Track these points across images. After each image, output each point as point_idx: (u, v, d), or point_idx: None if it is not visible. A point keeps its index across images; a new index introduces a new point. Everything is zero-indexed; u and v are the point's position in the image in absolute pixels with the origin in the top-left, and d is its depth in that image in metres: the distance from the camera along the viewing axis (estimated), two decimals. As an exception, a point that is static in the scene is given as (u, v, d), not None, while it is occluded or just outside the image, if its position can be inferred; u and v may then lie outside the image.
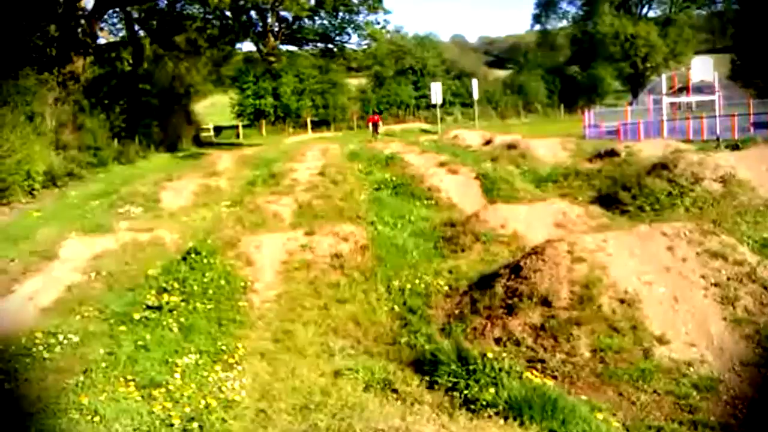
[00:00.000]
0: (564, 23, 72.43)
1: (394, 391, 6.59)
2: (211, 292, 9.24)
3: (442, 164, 19.29)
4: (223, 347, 7.87)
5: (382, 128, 41.22)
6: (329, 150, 27.88)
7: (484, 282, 8.89)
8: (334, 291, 9.65)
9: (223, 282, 9.53)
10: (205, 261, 9.93)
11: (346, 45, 59.77)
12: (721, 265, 8.14)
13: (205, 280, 9.44)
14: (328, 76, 57.25)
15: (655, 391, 6.22)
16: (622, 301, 7.50)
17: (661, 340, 6.99)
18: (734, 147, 17.78)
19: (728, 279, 7.93)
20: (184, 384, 6.80)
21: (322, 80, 56.11)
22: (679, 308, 7.45)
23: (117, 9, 42.44)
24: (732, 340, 7.11)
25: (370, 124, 40.98)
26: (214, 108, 60.47)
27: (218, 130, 54.45)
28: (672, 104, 39.24)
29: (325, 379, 7.22)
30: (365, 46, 59.43)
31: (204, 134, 50.14)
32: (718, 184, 13.75)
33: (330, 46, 59.79)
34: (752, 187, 13.79)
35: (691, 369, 6.59)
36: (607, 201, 14.64)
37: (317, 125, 55.38)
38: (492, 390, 5.83)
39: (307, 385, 7.05)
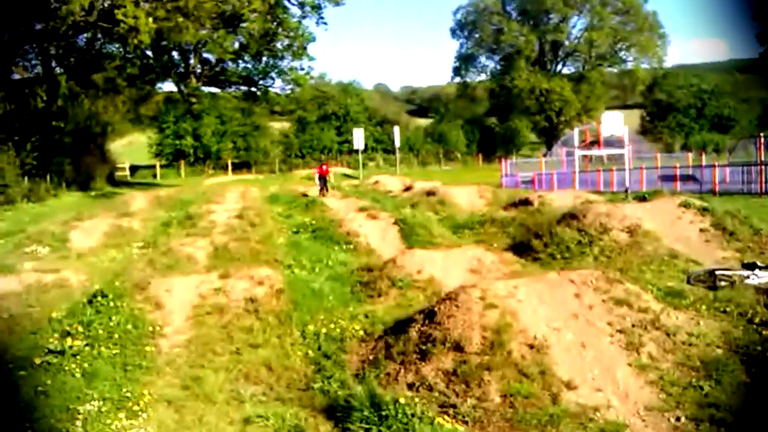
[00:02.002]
0: (483, 77, 74.96)
1: (306, 438, 6.47)
2: (117, 336, 8.88)
3: (362, 209, 19.43)
4: (128, 394, 7.55)
5: (332, 180, 30.49)
6: (249, 192, 27.63)
7: (399, 327, 8.89)
8: (247, 336, 9.44)
9: (130, 326, 9.18)
10: (111, 304, 9.56)
11: (269, 89, 59.91)
12: (626, 312, 8.43)
13: (111, 323, 9.07)
14: (251, 119, 57.18)
15: (562, 436, 6.31)
16: (531, 347, 7.63)
17: (569, 386, 7.13)
18: (641, 199, 18.56)
19: (633, 326, 8.20)
20: (85, 433, 6.47)
21: (244, 122, 55.97)
22: (586, 354, 7.63)
23: (33, 45, 41.26)
24: (637, 386, 7.32)
25: (317, 177, 29.39)
26: (131, 147, 59.20)
27: (134, 169, 53.24)
28: (584, 157, 40.89)
29: (234, 426, 7.02)
30: (289, 91, 59.77)
31: (119, 173, 48.88)
32: (625, 234, 14.32)
33: (253, 89, 59.83)
34: (657, 237, 14.40)
35: (598, 414, 6.73)
36: (521, 248, 15.01)
37: (238, 167, 54.95)
38: (403, 436, 5.80)
39: (215, 433, 6.83)
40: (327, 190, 27.35)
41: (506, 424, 6.58)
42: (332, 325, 9.59)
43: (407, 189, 28.65)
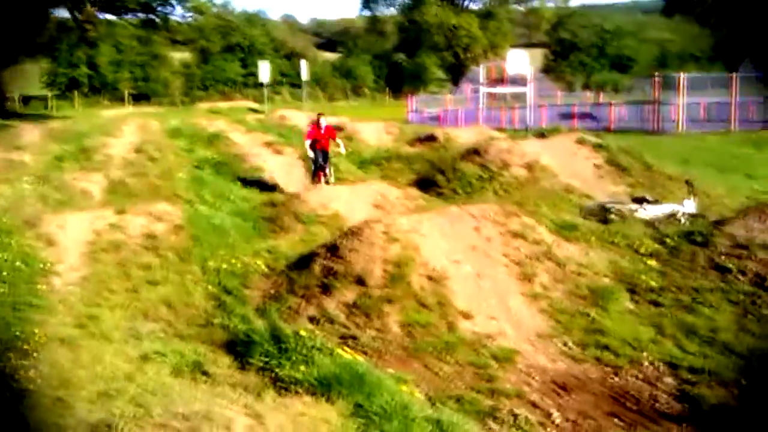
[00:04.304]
0: (392, 11, 74.08)
1: (205, 373, 6.40)
2: (5, 274, 8.47)
3: (267, 144, 19.07)
4: (18, 333, 7.26)
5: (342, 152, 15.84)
6: (148, 125, 26.52)
7: (303, 262, 8.91)
8: (145, 273, 9.23)
9: (19, 263, 8.77)
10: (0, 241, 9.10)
11: (169, 16, 57.19)
12: (522, 244, 8.74)
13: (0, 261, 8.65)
14: (150, 48, 54.53)
15: (457, 363, 6.54)
16: (431, 279, 7.81)
17: (466, 315, 7.38)
18: (541, 135, 19.06)
19: (527, 257, 8.53)
20: (-30, 375, 6.20)
21: (142, 52, 53.36)
22: (482, 285, 7.90)
23: None
24: (529, 314, 7.66)
25: (308, 144, 15.07)
26: (22, 77, 55.52)
27: (26, 100, 50.07)
28: (489, 94, 41.39)
29: (132, 364, 6.89)
30: (190, 19, 57.27)
31: (9, 104, 45.88)
32: (524, 169, 14.73)
33: (152, 16, 56.90)
34: (554, 172, 14.90)
35: (491, 341, 7.01)
36: (425, 184, 15.21)
37: (137, 99, 52.58)
38: (303, 368, 5.84)
39: (110, 371, 6.68)
40: (328, 172, 15.17)
41: (404, 352, 6.76)
42: (234, 261, 9.49)
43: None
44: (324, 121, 15.39)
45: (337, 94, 59.81)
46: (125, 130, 24.54)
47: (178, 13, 57.39)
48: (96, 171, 15.58)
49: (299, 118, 31.00)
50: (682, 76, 29.06)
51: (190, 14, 56.45)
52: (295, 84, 55.14)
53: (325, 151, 15.20)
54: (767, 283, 7.73)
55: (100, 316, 8.05)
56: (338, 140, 15.46)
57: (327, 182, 14.92)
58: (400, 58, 68.03)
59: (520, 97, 40.29)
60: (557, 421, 5.53)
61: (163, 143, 20.02)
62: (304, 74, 47.55)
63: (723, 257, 8.31)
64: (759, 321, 7.18)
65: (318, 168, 15.13)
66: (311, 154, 14.98)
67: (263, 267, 9.39)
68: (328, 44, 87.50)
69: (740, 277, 7.94)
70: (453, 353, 6.67)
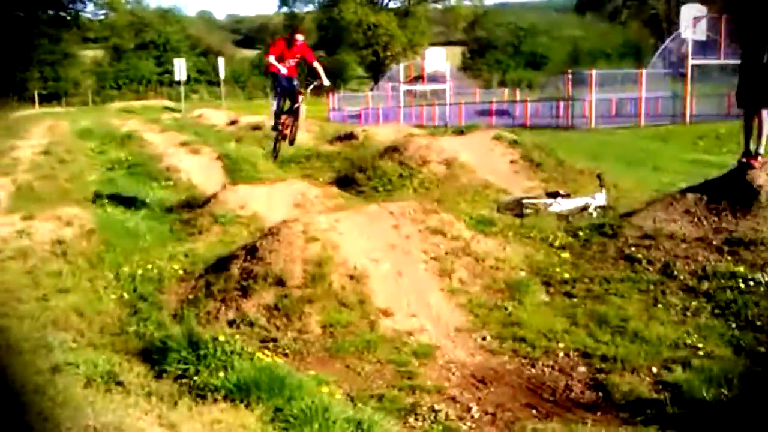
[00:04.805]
0: (311, 8, 73.73)
1: (119, 383, 6.19)
2: None
3: (183, 144, 18.68)
4: None
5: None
6: (58, 126, 25.55)
7: (221, 264, 8.75)
8: (55, 280, 8.84)
9: None
10: None
11: (80, 13, 55.20)
12: (440, 240, 8.84)
13: None
14: (60, 46, 52.47)
15: (378, 361, 6.56)
16: (351, 278, 7.81)
17: (386, 313, 7.41)
18: (459, 132, 19.36)
19: (446, 253, 8.63)
20: None
21: (52, 50, 51.27)
22: (402, 282, 7.95)
23: None
24: (448, 309, 7.75)
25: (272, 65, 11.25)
26: None
27: (-76, 101, 47.33)
28: (408, 92, 41.77)
29: (42, 376, 6.60)
30: (102, 16, 55.44)
31: None
32: (443, 166, 14.91)
33: (62, 13, 54.75)
34: (472, 168, 15.15)
35: (412, 338, 7.06)
36: (345, 182, 15.21)
37: (46, 99, 50.53)
38: (222, 374, 5.72)
39: (19, 384, 6.38)
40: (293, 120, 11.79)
41: (325, 353, 6.73)
42: (149, 266, 9.23)
43: (232, 123, 27.86)
44: (301, 37, 11.43)
45: (256, 92, 59.03)
46: (33, 131, 23.61)
47: (89, 10, 55.46)
48: (2, 175, 14.88)
49: (217, 116, 30.53)
50: (593, 73, 30.08)
51: (103, 11, 54.69)
52: (213, 82, 54.18)
53: (292, 85, 11.28)
54: (674, 271, 8.06)
55: (8, 328, 7.68)
56: (317, 65, 11.51)
57: (291, 140, 11.84)
58: (319, 56, 67.77)
59: (439, 95, 40.91)
60: (476, 414, 5.61)
61: (73, 145, 19.37)
62: (222, 72, 46.77)
63: (632, 248, 8.61)
64: (667, 309, 7.49)
65: (281, 112, 11.44)
66: (283, 70, 10.97)
67: (180, 271, 9.17)
68: (246, 41, 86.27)
69: (648, 266, 8.25)
70: (374, 352, 6.69)
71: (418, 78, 40.80)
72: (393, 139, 17.81)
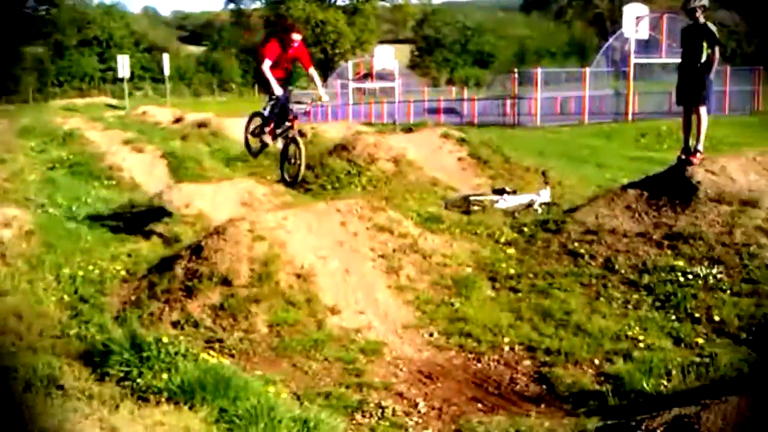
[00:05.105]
0: (258, 4, 73.09)
1: (59, 387, 6.03)
2: None
3: (126, 142, 18.28)
4: None
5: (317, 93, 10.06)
6: (-5, 125, 24.73)
7: (164, 265, 8.60)
8: (-8, 283, 8.56)
9: None
10: None
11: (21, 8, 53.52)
12: (388, 238, 8.86)
13: None
14: (-4, 42, 50.79)
15: (326, 359, 6.54)
16: (298, 277, 7.77)
17: (333, 311, 7.39)
18: (408, 130, 19.42)
19: (393, 250, 8.66)
20: None
21: (-13, 46, 49.61)
22: (350, 280, 7.94)
23: None
24: (395, 306, 7.78)
25: (267, 72, 8.91)
26: None
27: None
28: (358, 89, 41.77)
29: (-23, 382, 6.39)
30: (43, 12, 53.86)
31: None
32: (391, 163, 14.95)
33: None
34: (420, 166, 15.23)
35: (359, 335, 7.07)
36: (293, 180, 15.08)
37: (-17, 97, 48.86)
38: (165, 376, 5.62)
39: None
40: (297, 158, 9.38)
41: (272, 353, 6.68)
42: (90, 267, 8.99)
43: (177, 120, 27.41)
44: (298, 37, 9.09)
45: (202, 89, 58.22)
46: (-32, 130, 22.78)
47: (29, 5, 53.78)
48: (-65, 175, 14.31)
49: (162, 114, 30.01)
50: (538, 72, 30.55)
51: (44, 6, 53.12)
52: (158, 79, 53.21)
53: (286, 98, 9.08)
54: (616, 266, 8.25)
55: (-60, 333, 7.41)
56: (314, 73, 9.48)
57: (293, 176, 9.29)
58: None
59: (387, 92, 41.00)
60: (423, 409, 5.65)
61: (12, 143, 18.72)
62: (167, 69, 45.97)
63: (575, 243, 8.78)
64: (609, 302, 7.66)
65: (270, 118, 9.08)
66: (277, 91, 8.75)
67: (122, 272, 8.97)
68: (192, 37, 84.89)
69: (591, 261, 8.42)
70: (321, 350, 6.66)
71: (367, 76, 40.83)
72: (341, 137, 17.79)
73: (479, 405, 5.75)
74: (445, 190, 13.84)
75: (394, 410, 5.52)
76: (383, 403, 5.59)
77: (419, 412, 5.61)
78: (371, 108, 35.86)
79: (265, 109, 9.28)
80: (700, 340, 6.64)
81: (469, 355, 6.68)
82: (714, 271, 7.69)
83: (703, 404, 3.86)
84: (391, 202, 11.48)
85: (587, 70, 31.09)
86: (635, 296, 7.57)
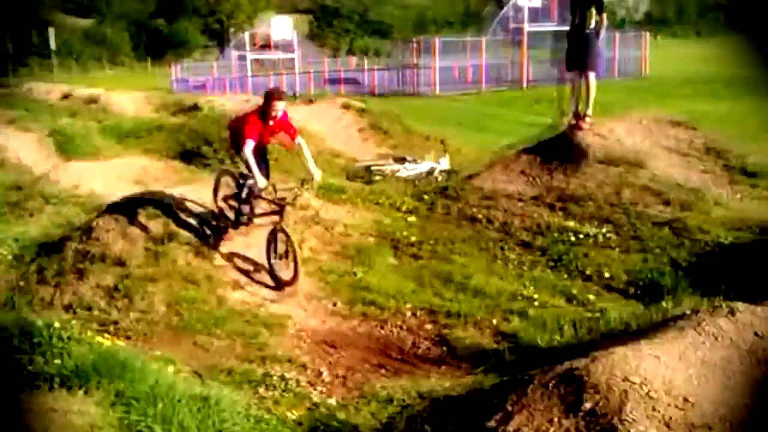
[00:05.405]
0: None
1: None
2: None
3: (11, 121, 17.26)
4: None
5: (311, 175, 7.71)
6: None
7: (54, 247, 8.20)
8: None
9: None
10: None
11: None
12: (290, 210, 8.76)
13: None
14: None
15: (228, 335, 6.44)
16: (197, 254, 7.60)
17: (236, 286, 7.29)
18: (308, 101, 19.24)
19: (295, 222, 8.58)
20: None
21: None
22: (252, 253, 7.83)
23: None
24: (299, 278, 7.74)
25: (249, 155, 7.19)
26: None
27: None
28: (256, 61, 40.91)
29: None
30: None
31: None
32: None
33: None
34: (321, 137, 15.12)
35: (262, 309, 6.99)
36: (190, 155, 14.71)
37: None
38: (58, 361, 5.40)
39: None
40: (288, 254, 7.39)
41: (171, 332, 6.52)
42: (-27, 253, 8.50)
43: (66, 97, 26.06)
44: (281, 105, 7.41)
45: (91, 64, 55.52)
46: None
47: None
48: None
49: (49, 90, 28.48)
50: (437, 41, 30.83)
51: None
52: (43, 54, 50.33)
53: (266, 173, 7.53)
54: (511, 229, 8.51)
55: None
56: (300, 142, 7.65)
57: (291, 279, 7.31)
58: (159, 24, 64.63)
59: (287, 64, 40.34)
60: (327, 378, 5.68)
61: None
62: (53, 43, 43.57)
63: (473, 209, 8.98)
64: (505, 264, 7.91)
65: (239, 220, 7.66)
66: (261, 182, 7.28)
67: (9, 257, 8.51)
68: (78, 9, 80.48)
69: (488, 225, 8.65)
70: (223, 326, 6.55)
71: (265, 47, 40.04)
72: (240, 110, 17.39)
73: (383, 371, 5.84)
74: (348, 161, 13.83)
75: (298, 381, 5.52)
76: (287, 375, 5.58)
77: (323, 381, 5.64)
78: (270, 80, 35.25)
79: (241, 184, 7.53)
80: (591, 297, 6.97)
81: (373, 323, 6.74)
82: (603, 230, 8.08)
83: (592, 357, 4.04)
84: (291, 174, 11.35)
85: (484, 39, 31.62)
86: (530, 257, 7.85)
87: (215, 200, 7.85)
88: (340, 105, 16.86)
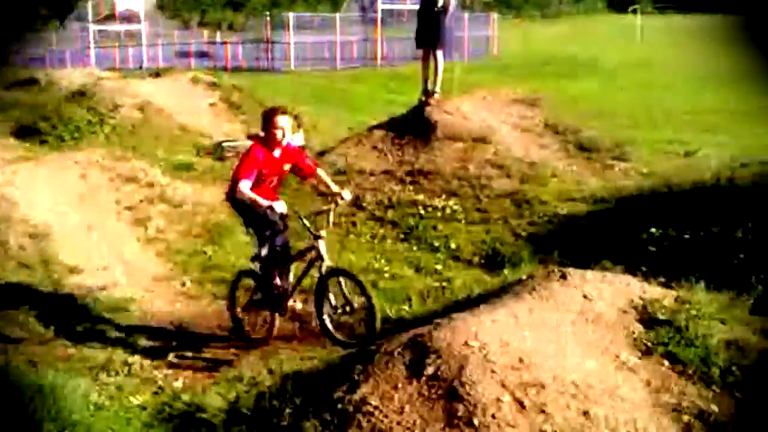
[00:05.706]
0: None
1: None
2: None
3: None
4: None
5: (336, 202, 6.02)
6: None
7: None
8: None
9: None
10: None
11: None
12: (134, 189, 8.45)
13: None
14: None
15: (65, 322, 6.08)
16: (32, 237, 7.14)
17: (74, 270, 6.92)
18: (155, 75, 18.38)
19: (140, 201, 8.28)
20: None
21: None
22: (92, 236, 7.47)
23: None
24: (145, 259, 7.49)
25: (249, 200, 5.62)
26: None
27: None
28: (100, 32, 38.59)
29: None
30: None
31: None
32: (137, 111, 14.03)
33: None
34: (169, 113, 14.49)
35: (104, 293, 6.67)
36: (26, 132, 13.63)
37: None
38: None
39: None
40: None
41: (2, 321, 6.07)
42: None
43: None
44: (285, 122, 5.90)
45: None
46: None
47: None
48: None
49: None
50: (291, 16, 30.42)
51: None
52: None
53: (285, 227, 6.05)
54: (363, 203, 8.62)
55: None
56: (322, 174, 6.19)
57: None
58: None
59: (133, 36, 38.34)
60: (174, 361, 5.52)
61: None
62: None
63: (327, 184, 8.99)
64: (358, 237, 8.02)
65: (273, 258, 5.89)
66: (279, 208, 5.79)
67: None
68: None
69: (340, 201, 8.69)
70: (58, 312, 6.19)
71: (109, 17, 37.82)
72: (81, 84, 16.33)
73: (232, 350, 5.75)
74: (197, 137, 13.37)
75: (142, 365, 5.32)
76: (130, 360, 5.36)
77: (169, 363, 5.48)
78: (116, 52, 33.40)
79: (257, 256, 5.99)
80: (439, 267, 7.22)
81: (222, 303, 6.61)
82: (451, 203, 8.38)
83: (435, 324, 4.18)
84: (138, 151, 10.88)
85: (338, 15, 31.58)
86: (381, 231, 8.02)
87: (232, 311, 6.10)
88: (189, 79, 16.21)
